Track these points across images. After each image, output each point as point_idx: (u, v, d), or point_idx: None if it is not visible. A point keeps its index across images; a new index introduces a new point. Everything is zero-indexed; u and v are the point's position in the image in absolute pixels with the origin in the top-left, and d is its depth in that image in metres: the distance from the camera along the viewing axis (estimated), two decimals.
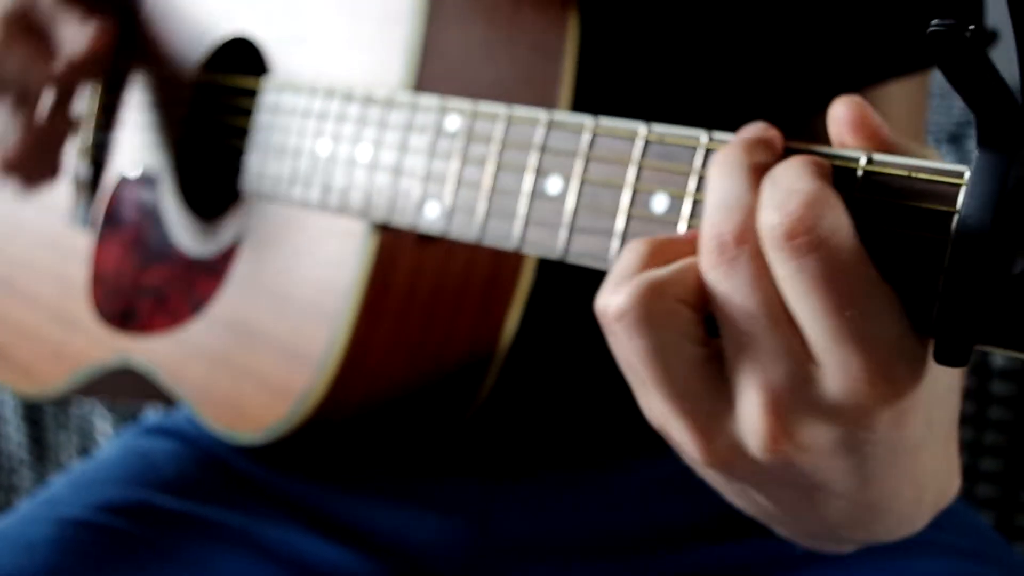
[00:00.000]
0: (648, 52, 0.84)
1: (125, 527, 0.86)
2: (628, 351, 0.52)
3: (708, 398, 0.52)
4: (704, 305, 0.52)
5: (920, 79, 0.87)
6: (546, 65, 0.78)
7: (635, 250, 0.54)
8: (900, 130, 0.90)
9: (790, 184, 0.49)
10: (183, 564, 0.84)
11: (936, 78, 0.95)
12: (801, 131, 0.57)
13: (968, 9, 0.44)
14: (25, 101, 0.91)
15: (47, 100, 0.92)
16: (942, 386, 0.55)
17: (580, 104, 0.77)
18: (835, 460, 0.52)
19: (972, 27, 0.39)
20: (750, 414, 0.51)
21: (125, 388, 1.02)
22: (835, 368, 0.48)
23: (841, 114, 0.53)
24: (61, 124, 0.93)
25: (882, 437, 0.51)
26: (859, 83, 0.83)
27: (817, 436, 0.51)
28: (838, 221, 0.48)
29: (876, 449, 0.52)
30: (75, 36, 0.91)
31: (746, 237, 0.50)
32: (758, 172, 0.51)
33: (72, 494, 0.90)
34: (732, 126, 0.57)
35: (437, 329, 0.80)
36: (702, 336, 0.52)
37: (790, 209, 0.47)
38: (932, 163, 0.48)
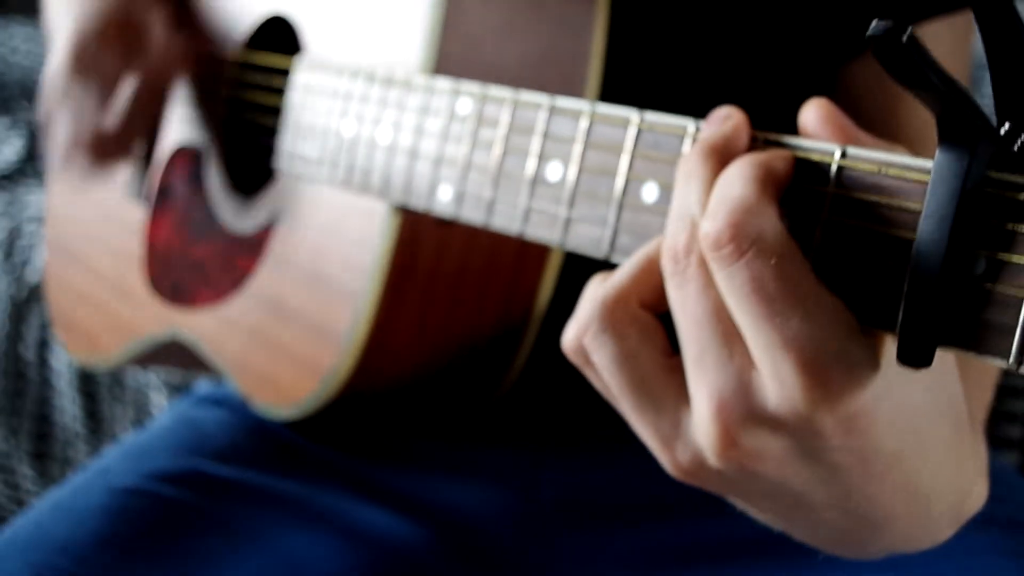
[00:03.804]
0: (679, 30, 0.82)
1: (177, 495, 0.87)
2: (599, 362, 0.53)
3: (671, 407, 0.53)
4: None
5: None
6: (574, 43, 0.76)
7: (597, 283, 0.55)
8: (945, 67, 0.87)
9: (723, 192, 0.49)
10: (234, 531, 0.85)
11: None
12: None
13: None
14: (107, 92, 0.94)
15: (127, 93, 0.95)
16: (939, 397, 0.53)
17: (610, 83, 0.76)
18: (797, 468, 0.51)
19: (910, 29, 0.38)
20: (700, 421, 0.51)
21: (175, 360, 1.04)
22: (769, 374, 0.48)
23: (811, 115, 0.53)
24: (137, 120, 0.96)
25: (839, 445, 0.50)
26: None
27: (766, 443, 0.50)
28: (764, 228, 0.47)
29: (840, 457, 0.50)
30: (163, 42, 0.96)
31: (694, 247, 0.50)
32: (711, 178, 0.51)
33: (124, 464, 0.92)
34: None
35: (467, 304, 0.81)
36: (666, 345, 0.53)
37: (717, 218, 0.47)
38: (902, 158, 0.47)
